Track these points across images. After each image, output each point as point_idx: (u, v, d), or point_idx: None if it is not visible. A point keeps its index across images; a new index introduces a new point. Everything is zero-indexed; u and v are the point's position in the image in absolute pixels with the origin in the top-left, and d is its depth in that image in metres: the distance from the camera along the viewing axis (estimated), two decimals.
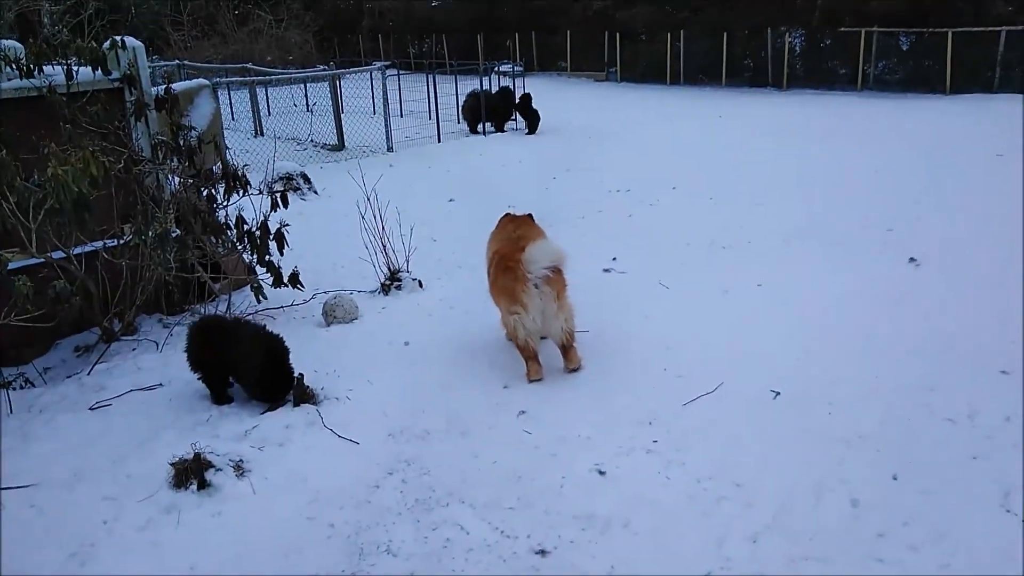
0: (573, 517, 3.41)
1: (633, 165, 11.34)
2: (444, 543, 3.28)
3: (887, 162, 10.68)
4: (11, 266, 4.49)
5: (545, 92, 18.93)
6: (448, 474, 3.76)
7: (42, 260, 4.76)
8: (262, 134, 15.11)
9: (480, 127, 14.78)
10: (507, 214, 5.52)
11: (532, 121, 14.69)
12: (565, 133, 14.67)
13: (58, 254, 4.95)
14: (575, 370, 4.75)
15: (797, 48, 21.30)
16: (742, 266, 6.62)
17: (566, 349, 4.75)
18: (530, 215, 5.45)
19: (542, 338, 4.81)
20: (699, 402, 4.33)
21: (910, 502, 3.42)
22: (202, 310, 5.77)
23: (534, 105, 14.73)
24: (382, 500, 3.58)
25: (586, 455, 3.85)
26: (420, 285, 6.41)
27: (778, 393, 4.38)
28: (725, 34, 21.54)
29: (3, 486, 3.60)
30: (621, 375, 4.70)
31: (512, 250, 4.68)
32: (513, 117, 15.22)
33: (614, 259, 6.93)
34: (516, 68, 17.74)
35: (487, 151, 12.63)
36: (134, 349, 5.08)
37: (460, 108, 15.19)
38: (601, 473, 3.72)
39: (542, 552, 3.21)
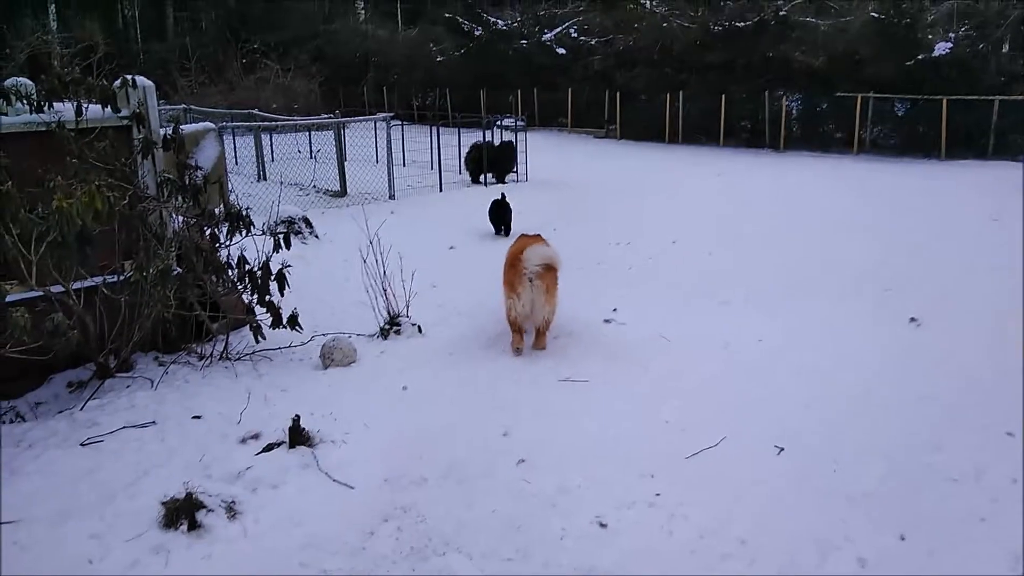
0: (573, 570, 3.32)
1: (633, 219, 11.43)
2: None
3: (882, 222, 10.78)
4: (9, 298, 4.45)
5: (546, 147, 19.21)
6: (445, 522, 3.67)
7: (40, 293, 4.72)
8: (265, 179, 15.22)
9: (482, 178, 14.94)
10: (523, 234, 6.89)
11: (503, 170, 15.07)
12: (565, 186, 14.82)
13: (57, 288, 4.92)
14: (540, 349, 5.96)
15: (794, 111, 21.69)
16: (742, 320, 6.61)
17: (540, 333, 6.02)
18: (540, 235, 6.62)
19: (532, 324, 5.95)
20: (702, 456, 4.26)
21: (917, 562, 3.34)
22: (199, 349, 5.72)
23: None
24: (377, 547, 3.49)
25: (587, 506, 3.77)
26: (419, 331, 6.37)
27: (782, 449, 4.32)
28: (723, 96, 21.97)
29: None
30: (622, 426, 4.64)
31: (517, 253, 5.97)
32: (515, 169, 15.40)
33: (614, 310, 6.91)
34: (518, 123, 17.98)
35: (488, 201, 12.72)
36: (128, 386, 5.01)
37: (464, 159, 15.38)
38: (602, 525, 3.63)
39: None
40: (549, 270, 5.80)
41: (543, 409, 4.91)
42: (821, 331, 6.32)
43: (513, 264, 5.91)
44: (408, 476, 4.10)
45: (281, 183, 12.42)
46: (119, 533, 3.44)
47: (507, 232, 10.14)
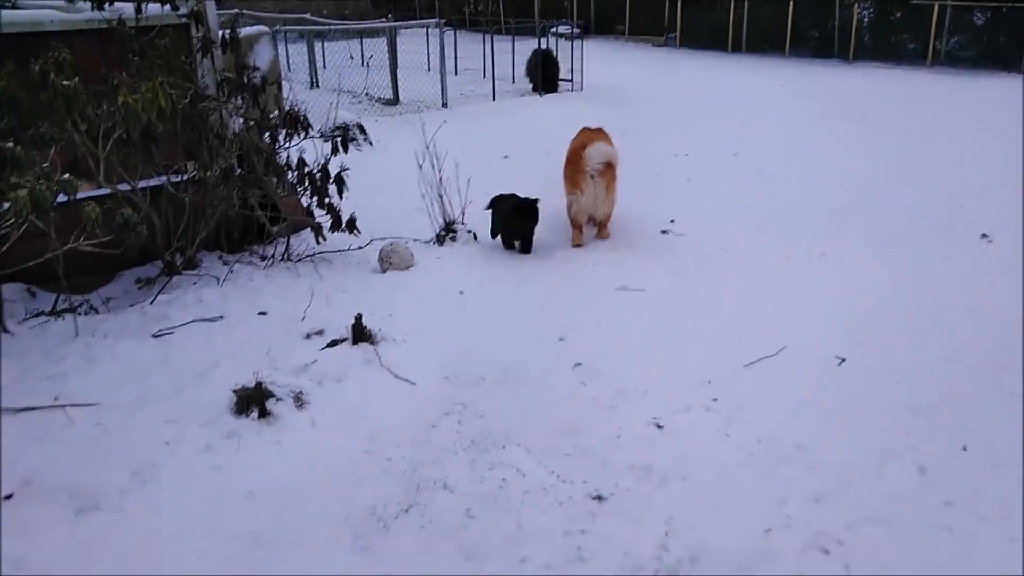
0: (630, 467, 3.37)
1: (692, 131, 11.07)
2: (500, 483, 3.27)
3: (955, 139, 10.25)
4: (79, 195, 4.55)
5: (602, 56, 18.61)
6: (503, 420, 3.75)
7: (109, 191, 4.82)
8: (318, 86, 15.11)
9: (538, 87, 14.59)
10: (585, 127, 6.84)
11: (547, 79, 14.58)
12: (622, 96, 14.38)
13: (123, 186, 5.01)
14: (603, 238, 6.34)
15: (865, 20, 20.49)
16: (803, 235, 6.44)
17: (602, 225, 6.39)
18: (601, 128, 6.66)
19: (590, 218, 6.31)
20: (760, 365, 4.24)
21: (980, 474, 3.30)
22: (260, 251, 5.82)
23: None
24: (438, 439, 3.59)
25: (643, 409, 3.81)
26: (475, 237, 6.37)
27: (843, 360, 4.27)
28: (791, 2, 20.82)
29: (69, 403, 3.69)
30: (679, 335, 4.62)
31: (578, 148, 6.17)
32: (570, 78, 14.99)
33: (672, 221, 6.79)
34: (574, 30, 17.36)
35: (543, 110, 12.46)
36: (195, 283, 5.14)
37: (524, 67, 15.01)
38: (659, 427, 3.67)
39: (599, 498, 3.19)
40: (609, 167, 6.06)
41: (599, 317, 4.91)
42: (888, 247, 6.13)
43: (574, 161, 6.14)
44: (466, 376, 4.18)
45: (333, 91, 12.35)
46: (193, 419, 3.59)
47: (526, 248, 6.20)
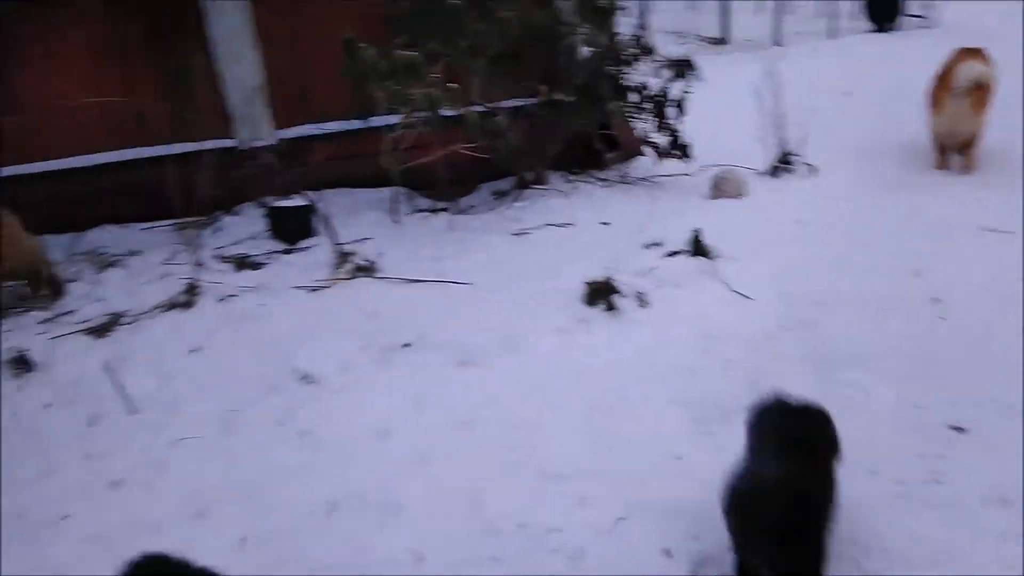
0: (992, 400, 3.11)
1: None
2: (846, 401, 3.20)
3: None
4: (448, 113, 5.18)
5: None
6: (848, 341, 3.64)
7: (483, 108, 5.41)
8: (644, 28, 15.21)
9: (881, 23, 13.22)
10: (962, 47, 6.13)
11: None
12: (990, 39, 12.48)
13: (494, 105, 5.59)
14: (968, 170, 5.75)
15: None
16: None
17: (967, 155, 5.78)
18: (981, 49, 5.91)
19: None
20: None
21: None
22: (598, 174, 6.16)
23: None
24: (778, 350, 3.61)
25: (1017, 350, 3.44)
26: (812, 170, 6.10)
27: None
28: None
29: (449, 280, 4.33)
30: None
31: (948, 69, 5.78)
32: (920, 14, 13.35)
33: None
34: None
35: (891, 48, 11.32)
36: (543, 196, 5.63)
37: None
38: None
39: (958, 429, 3.00)
40: (980, 88, 5.57)
41: (960, 255, 4.47)
42: None
43: (941, 78, 5.81)
44: (806, 297, 4.09)
45: (659, 31, 12.40)
46: (549, 303, 4.02)
47: None
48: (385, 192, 5.60)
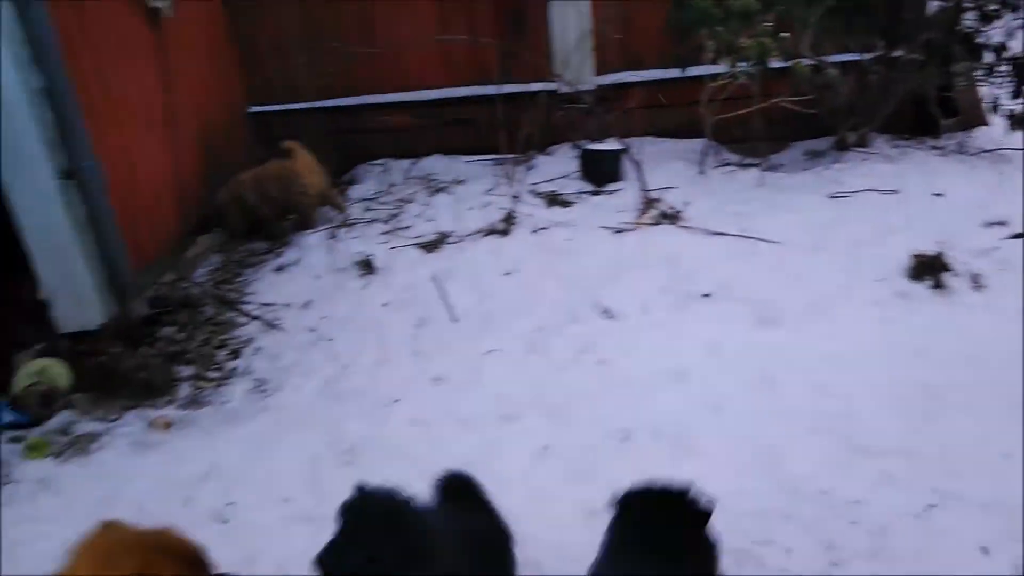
0: None
1: None
2: None
3: None
4: (775, 65, 4.94)
5: None
6: None
7: (813, 62, 5.10)
8: None
9: None
10: None
11: None
12: None
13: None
14: None
15: None
16: None
17: None
18: None
19: None
20: None
21: None
22: (931, 142, 5.56)
23: None
24: None
25: None
26: None
27: None
28: None
29: (755, 236, 4.24)
30: None
31: None
32: None
33: None
34: None
35: None
36: (865, 160, 5.22)
37: None
38: None
39: None
40: None
41: None
42: None
43: None
44: None
45: None
46: (865, 273, 3.78)
47: None
48: (692, 143, 5.57)
